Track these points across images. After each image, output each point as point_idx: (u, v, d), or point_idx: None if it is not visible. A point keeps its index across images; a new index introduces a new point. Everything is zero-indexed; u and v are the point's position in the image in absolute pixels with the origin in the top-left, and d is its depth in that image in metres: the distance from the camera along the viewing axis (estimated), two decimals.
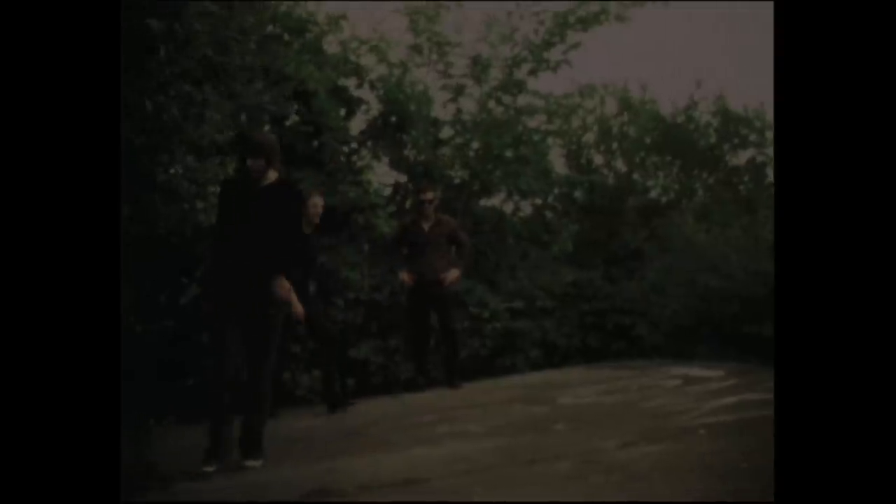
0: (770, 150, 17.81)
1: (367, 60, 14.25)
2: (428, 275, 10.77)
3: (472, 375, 11.92)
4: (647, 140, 17.91)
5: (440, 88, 14.78)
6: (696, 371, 10.16)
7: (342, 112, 13.31)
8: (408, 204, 13.85)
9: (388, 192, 14.08)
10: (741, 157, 18.27)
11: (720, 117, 18.10)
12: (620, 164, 18.14)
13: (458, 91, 14.76)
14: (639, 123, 17.94)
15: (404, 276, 10.87)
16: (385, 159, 14.20)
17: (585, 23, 14.49)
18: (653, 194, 18.09)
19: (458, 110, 14.94)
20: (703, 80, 20.19)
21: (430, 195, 10.95)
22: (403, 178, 14.25)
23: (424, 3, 14.69)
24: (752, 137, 18.11)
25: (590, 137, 18.06)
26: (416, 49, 14.68)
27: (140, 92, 7.16)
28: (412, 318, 11.19)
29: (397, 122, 14.13)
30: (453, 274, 10.85)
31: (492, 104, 14.85)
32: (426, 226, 10.93)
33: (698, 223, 15.58)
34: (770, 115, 18.09)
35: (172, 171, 8.04)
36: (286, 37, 12.95)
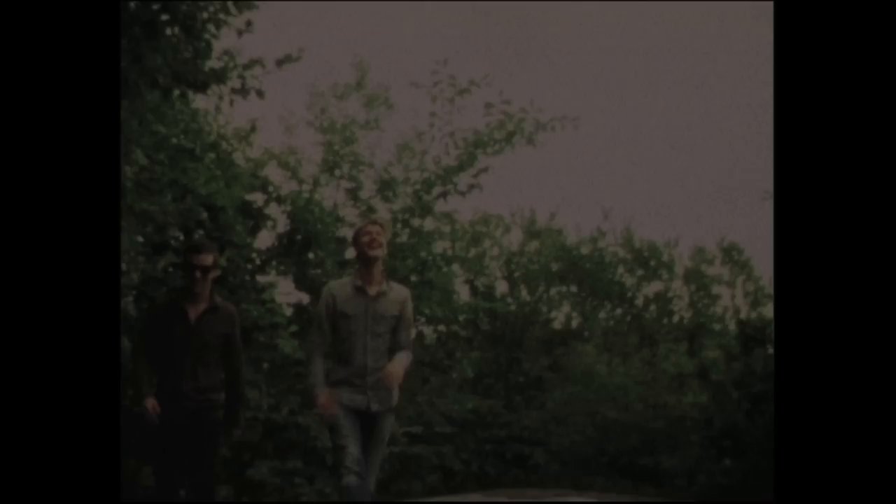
0: (676, 284, 18.17)
1: (276, 175, 14.26)
2: (181, 390, 6.72)
3: None
4: (553, 269, 18.07)
5: (350, 207, 14.81)
6: (592, 501, 10.11)
7: (248, 227, 13.23)
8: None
9: (290, 311, 13.95)
10: (647, 290, 18.53)
11: (627, 249, 18.37)
12: (524, 293, 18.24)
13: (369, 211, 14.79)
14: (544, 252, 18.11)
15: (150, 403, 6.61)
16: (290, 277, 14.09)
17: (498, 144, 14.63)
18: (556, 324, 18.21)
19: None
20: (611, 210, 20.53)
21: (208, 258, 6.76)
22: (307, 298, 14.14)
23: (340, 122, 14.82)
24: (661, 271, 18.41)
25: (494, 265, 18.15)
26: (329, 166, 14.72)
27: None
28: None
29: (303, 241, 14.09)
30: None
31: (398, 227, 14.90)
32: (192, 313, 6.77)
33: (600, 354, 15.72)
34: (677, 250, 18.48)
35: None
36: (197, 151, 12.91)
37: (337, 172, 14.84)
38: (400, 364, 6.66)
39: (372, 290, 6.69)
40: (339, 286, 6.80)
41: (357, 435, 6.48)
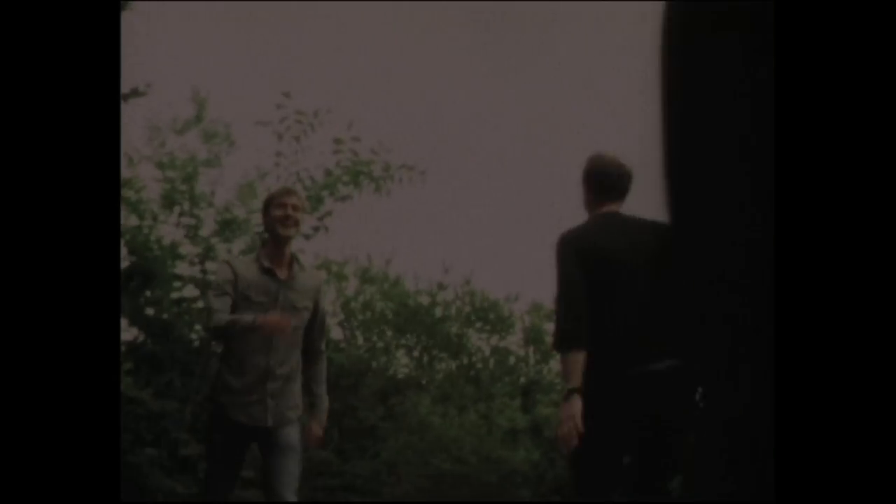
0: (513, 339, 18.31)
1: None
2: None
3: None
4: (389, 317, 18.02)
5: (189, 245, 14.49)
6: None
7: None
8: None
9: (123, 349, 13.54)
10: (485, 344, 18.61)
11: (467, 301, 18.44)
12: (360, 340, 18.14)
13: (207, 252, 14.47)
14: (381, 301, 18.06)
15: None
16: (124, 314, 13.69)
17: (346, 187, 14.49)
18: (391, 373, 18.14)
19: (203, 271, 14.63)
20: (452, 264, 20.65)
21: None
22: (141, 336, 13.76)
23: (182, 158, 14.51)
24: (499, 326, 18.53)
25: (330, 311, 17.99)
26: (168, 203, 14.40)
27: None
28: None
29: (142, 277, 13.73)
30: None
31: None
32: None
33: (435, 405, 15.70)
34: (516, 307, 18.64)
35: None
36: None
37: (176, 209, 14.53)
38: (323, 412, 5.96)
39: (282, 274, 5.69)
40: (243, 264, 5.77)
41: (235, 480, 5.72)
